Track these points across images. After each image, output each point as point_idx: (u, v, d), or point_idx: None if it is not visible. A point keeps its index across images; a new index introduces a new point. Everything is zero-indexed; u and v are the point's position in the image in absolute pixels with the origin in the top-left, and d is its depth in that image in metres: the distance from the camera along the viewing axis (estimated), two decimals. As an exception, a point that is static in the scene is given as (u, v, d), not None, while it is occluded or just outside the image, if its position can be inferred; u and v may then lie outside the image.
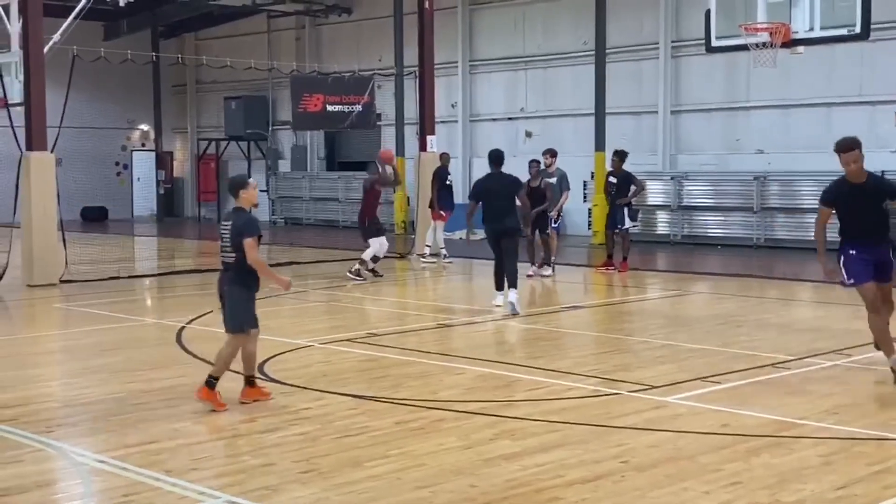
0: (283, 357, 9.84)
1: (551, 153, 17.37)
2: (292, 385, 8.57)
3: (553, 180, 16.80)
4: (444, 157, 19.79)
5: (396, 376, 8.99)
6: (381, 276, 16.66)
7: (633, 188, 17.20)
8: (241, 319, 7.96)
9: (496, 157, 13.36)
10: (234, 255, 7.91)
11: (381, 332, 11.39)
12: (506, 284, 12.80)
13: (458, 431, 7.07)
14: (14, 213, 16.00)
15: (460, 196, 26.59)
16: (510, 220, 13.02)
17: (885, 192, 8.94)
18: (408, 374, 9.08)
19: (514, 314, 12.51)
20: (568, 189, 17.36)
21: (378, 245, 16.53)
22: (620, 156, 17.46)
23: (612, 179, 17.39)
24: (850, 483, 5.80)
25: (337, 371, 9.28)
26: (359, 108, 24.60)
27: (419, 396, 8.16)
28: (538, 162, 16.99)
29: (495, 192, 13.01)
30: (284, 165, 33.17)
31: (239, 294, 7.95)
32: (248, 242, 7.79)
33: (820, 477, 5.93)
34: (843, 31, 14.09)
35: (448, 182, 19.32)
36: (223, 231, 8.02)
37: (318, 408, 7.79)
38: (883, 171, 20.44)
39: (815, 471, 6.06)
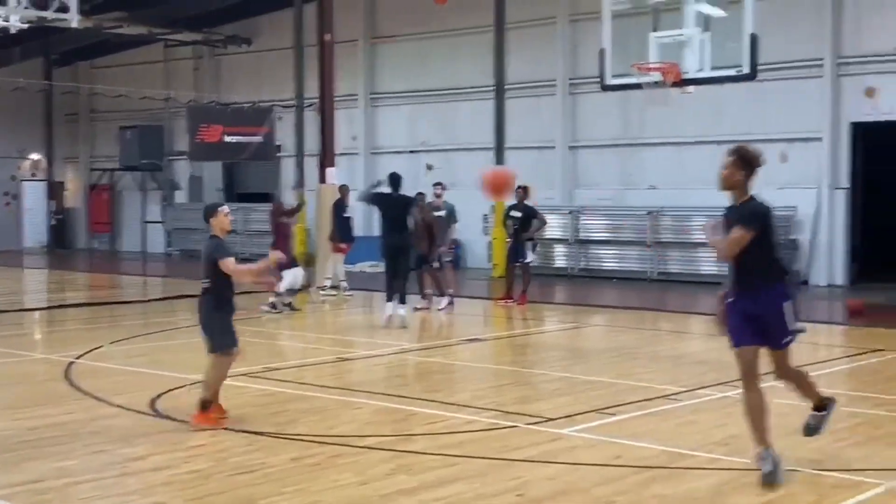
0: (177, 392, 9.64)
1: (442, 186, 17.62)
2: (185, 422, 8.38)
3: (442, 213, 16.98)
4: (343, 190, 19.76)
5: (293, 411, 8.89)
6: (298, 309, 16.49)
7: (535, 222, 17.43)
8: (221, 340, 8.31)
9: (395, 180, 14.95)
10: (207, 280, 8.24)
11: (279, 366, 11.25)
12: (395, 298, 14.43)
13: (355, 467, 7.01)
14: None
15: (361, 229, 26.57)
16: (405, 236, 14.75)
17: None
18: (305, 410, 8.99)
19: (404, 327, 14.04)
20: (455, 222, 17.46)
21: (292, 277, 16.24)
22: (524, 190, 17.67)
23: (515, 213, 17.57)
24: (738, 513, 5.93)
25: (232, 407, 9.09)
26: (258, 139, 24.50)
27: (316, 432, 8.07)
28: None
29: (391, 206, 14.72)
30: (181, 196, 32.67)
31: (217, 316, 8.33)
32: (225, 263, 8.12)
33: (710, 507, 6.05)
34: (732, 72, 14.58)
35: (347, 214, 19.28)
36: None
37: (212, 444, 7.64)
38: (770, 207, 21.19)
39: (705, 501, 6.18)
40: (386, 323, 14.50)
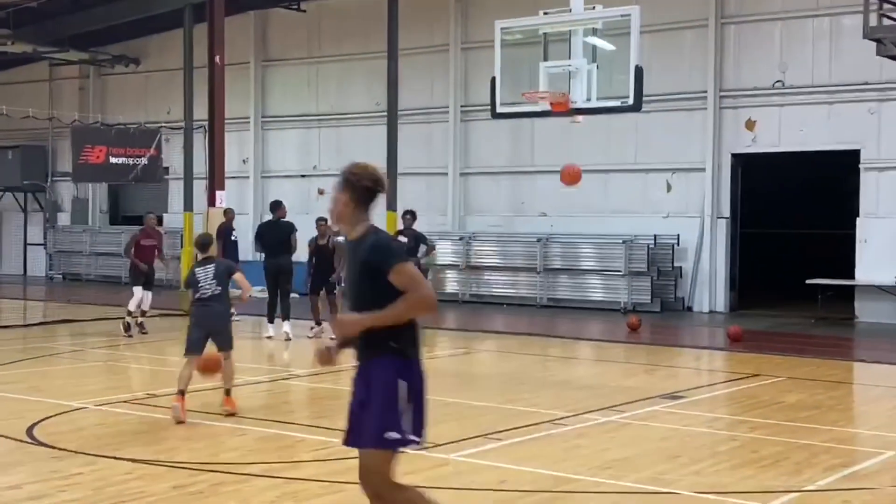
0: (56, 419, 9.36)
1: (412, 214, 17.84)
2: (64, 449, 8.14)
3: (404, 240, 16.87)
4: (229, 213, 19.51)
5: (175, 439, 8.70)
6: (146, 332, 16.41)
7: (422, 248, 17.50)
8: (232, 338, 10.15)
9: (275, 205, 17.12)
10: (220, 287, 9.97)
11: (161, 392, 11.00)
12: (279, 317, 16.30)
13: (239, 495, 6.90)
14: None
15: (249, 252, 26.28)
16: (285, 259, 16.50)
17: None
18: (188, 437, 8.81)
19: (289, 340, 15.73)
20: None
21: (139, 294, 16.39)
22: (412, 215, 17.80)
23: (403, 239, 17.60)
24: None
25: (112, 434, 8.89)
26: (144, 161, 24.05)
27: (199, 459, 7.92)
28: (325, 220, 17.03)
29: (272, 233, 16.73)
30: (64, 218, 31.80)
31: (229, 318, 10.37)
32: (239, 276, 10.27)
33: (592, 530, 6.13)
34: (618, 103, 14.89)
35: (233, 238, 19.04)
36: (200, 275, 9.92)
37: (91, 472, 7.43)
38: (655, 235, 21.75)
39: (587, 524, 6.26)
40: (269, 339, 16.25)
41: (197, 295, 9.97)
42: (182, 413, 9.32)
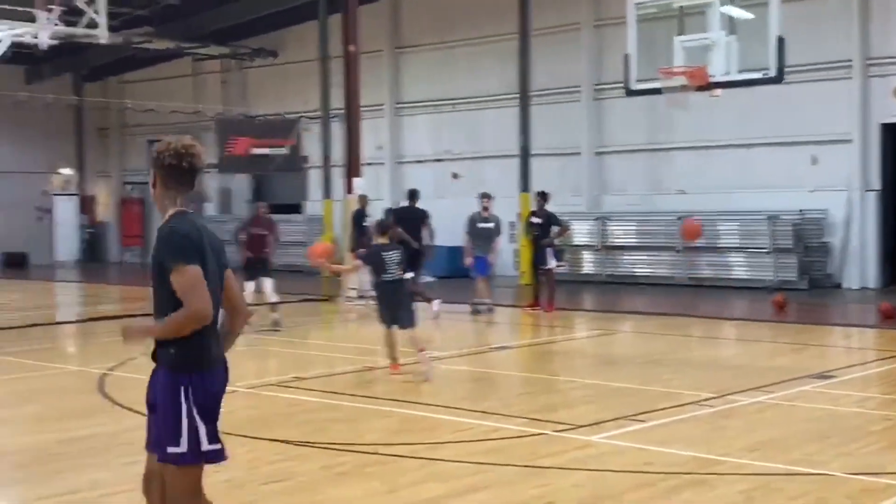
0: (208, 403, 9.70)
1: (488, 197, 17.65)
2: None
3: (491, 225, 17.18)
4: (363, 200, 19.84)
5: (322, 420, 8.93)
6: (280, 329, 15.45)
7: (555, 228, 17.43)
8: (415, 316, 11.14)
9: (412, 194, 17.94)
10: (402, 271, 10.88)
11: (308, 375, 11.30)
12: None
13: (384, 475, 7.04)
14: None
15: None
16: (417, 242, 16.94)
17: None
18: (334, 418, 9.02)
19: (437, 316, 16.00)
20: (499, 235, 17.68)
21: (250, 287, 15.41)
22: (543, 196, 17.76)
23: (535, 220, 17.59)
24: (769, 518, 5.90)
25: (263, 416, 9.18)
26: (285, 150, 24.62)
27: (345, 440, 8.10)
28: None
29: (408, 219, 17.14)
30: (210, 208, 32.91)
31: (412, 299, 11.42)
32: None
33: (740, 513, 6.02)
34: (759, 75, 14.51)
35: (365, 224, 19.33)
36: (387, 258, 10.85)
37: (244, 454, 7.67)
38: (801, 210, 21.09)
39: (735, 507, 6.15)
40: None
41: (383, 276, 10.92)
42: (398, 369, 11.01)
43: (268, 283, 15.77)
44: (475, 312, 17.02)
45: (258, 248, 15.70)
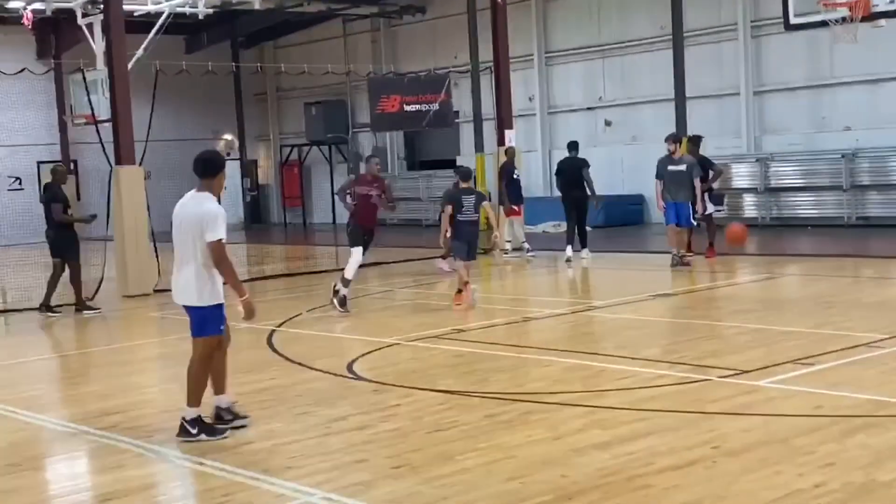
0: (372, 356, 9.97)
1: (673, 139, 16.50)
2: (381, 383, 8.67)
3: (682, 167, 15.93)
4: (510, 152, 19.79)
5: (484, 371, 9.04)
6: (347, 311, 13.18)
7: (710, 173, 16.95)
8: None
9: (572, 145, 18.31)
10: (476, 214, 12.81)
11: (467, 328, 11.44)
12: (576, 242, 17.61)
13: (547, 423, 7.09)
14: (107, 227, 16.47)
15: (540, 188, 26.58)
16: (580, 190, 17.56)
17: None
18: (495, 369, 9.12)
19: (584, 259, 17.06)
20: (699, 176, 16.15)
21: (358, 257, 13.18)
22: (696, 141, 17.37)
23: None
24: (950, 461, 5.67)
25: (425, 367, 9.36)
26: (436, 106, 24.73)
27: (507, 390, 8.19)
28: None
29: (569, 169, 17.83)
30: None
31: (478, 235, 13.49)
32: (487, 205, 13.42)
33: (919, 456, 5.81)
34: (927, 0, 13.73)
35: (515, 177, 19.24)
36: (465, 201, 12.79)
37: (408, 404, 7.87)
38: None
39: (914, 450, 5.93)
40: (567, 263, 17.35)
41: (460, 216, 12.76)
42: (463, 299, 12.62)
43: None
44: (676, 264, 15.76)
45: (370, 211, 13.15)
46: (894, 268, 15.33)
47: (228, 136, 36.41)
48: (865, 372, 8.08)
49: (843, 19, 14.27)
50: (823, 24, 15.00)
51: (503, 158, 20.12)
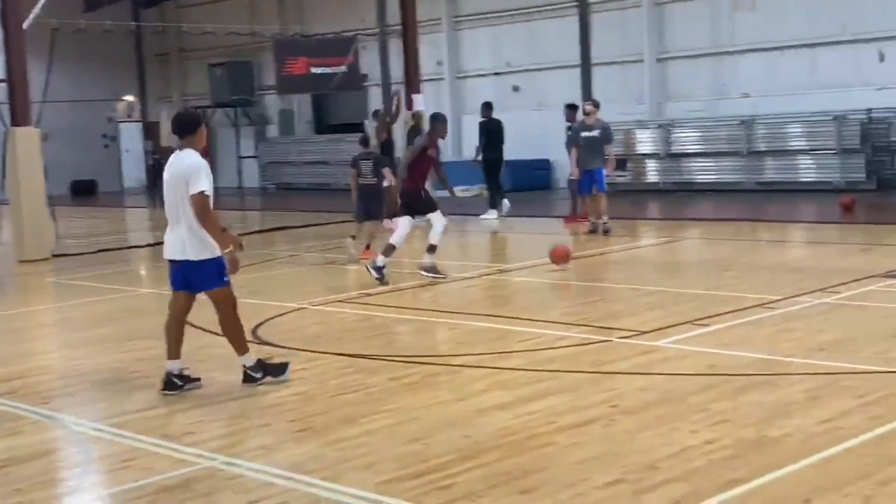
0: (277, 320, 9.93)
1: (594, 103, 16.37)
2: (287, 347, 8.65)
3: (595, 133, 15.82)
4: (417, 117, 19.79)
5: (390, 334, 9.09)
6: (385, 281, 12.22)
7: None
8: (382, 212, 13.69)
9: (485, 106, 19.32)
10: (375, 177, 13.74)
11: (374, 291, 11.45)
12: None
13: (452, 384, 7.17)
14: (2, 190, 16.02)
15: (448, 153, 26.54)
16: (495, 153, 18.60)
17: None
18: (401, 332, 9.18)
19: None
20: (610, 142, 16.19)
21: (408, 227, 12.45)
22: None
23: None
24: (835, 416, 5.90)
25: (331, 332, 9.36)
26: (343, 69, 24.59)
27: (412, 352, 8.25)
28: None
29: (497, 130, 18.93)
30: (272, 131, 33.09)
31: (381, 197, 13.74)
32: (386, 170, 14.18)
33: (806, 412, 6.03)
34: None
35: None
36: (363, 165, 13.77)
37: (313, 368, 7.87)
38: (869, 110, 20.57)
39: (801, 406, 6.16)
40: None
41: (361, 179, 13.82)
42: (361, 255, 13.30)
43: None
44: (593, 231, 15.72)
45: (424, 177, 12.48)
46: (789, 231, 15.81)
47: (129, 98, 35.59)
48: (758, 332, 8.34)
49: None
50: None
51: (411, 123, 20.09)
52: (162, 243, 7.61)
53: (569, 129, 17.39)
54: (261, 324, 9.65)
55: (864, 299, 9.48)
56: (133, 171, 35.81)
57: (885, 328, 8.24)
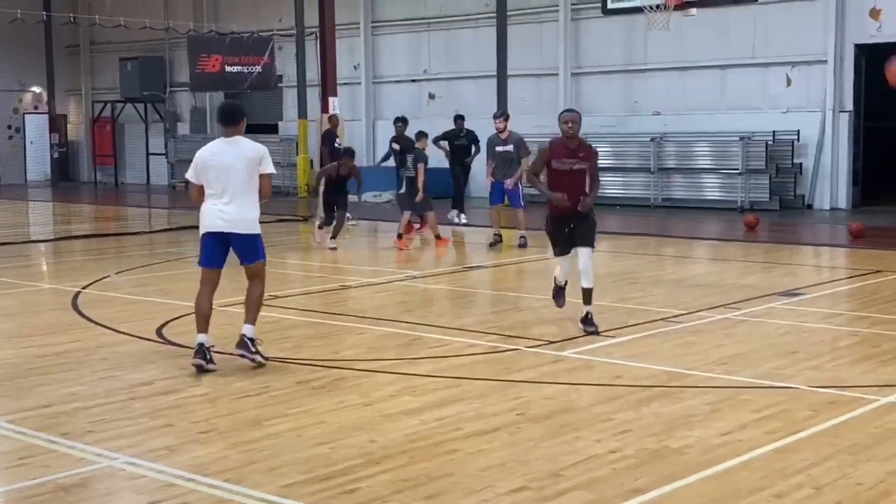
0: (183, 320, 9.77)
1: (504, 117, 15.93)
2: (192, 348, 8.49)
3: (509, 148, 15.46)
4: (333, 120, 19.74)
5: (298, 337, 9.01)
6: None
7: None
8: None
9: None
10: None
11: (283, 294, 11.36)
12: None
13: (359, 389, 7.14)
14: None
15: (363, 158, 26.52)
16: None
17: None
18: (310, 335, 9.11)
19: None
20: (528, 154, 15.56)
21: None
22: (404, 122, 18.29)
23: (395, 146, 17.86)
24: (735, 429, 6.05)
25: (237, 333, 9.22)
26: (258, 69, 24.39)
27: (321, 356, 8.20)
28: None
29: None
30: (183, 128, 32.60)
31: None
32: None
33: (707, 424, 6.16)
34: (735, -6, 14.45)
35: (337, 145, 19.24)
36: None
37: (218, 370, 7.76)
38: (774, 132, 21.18)
39: (702, 418, 6.29)
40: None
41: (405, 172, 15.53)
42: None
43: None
44: (495, 244, 15.66)
45: None
46: (694, 247, 16.16)
47: (36, 89, 34.71)
48: (662, 345, 8.51)
49: (658, 7, 14.82)
50: (639, 10, 15.55)
51: (326, 125, 20.02)
52: (62, 238, 7.42)
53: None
54: (165, 324, 9.50)
55: (763, 316, 9.73)
56: (37, 164, 34.91)
57: (782, 345, 8.47)
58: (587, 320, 8.91)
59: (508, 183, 15.49)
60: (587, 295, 8.97)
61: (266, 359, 7.84)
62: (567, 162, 9.07)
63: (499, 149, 15.63)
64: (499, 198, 15.82)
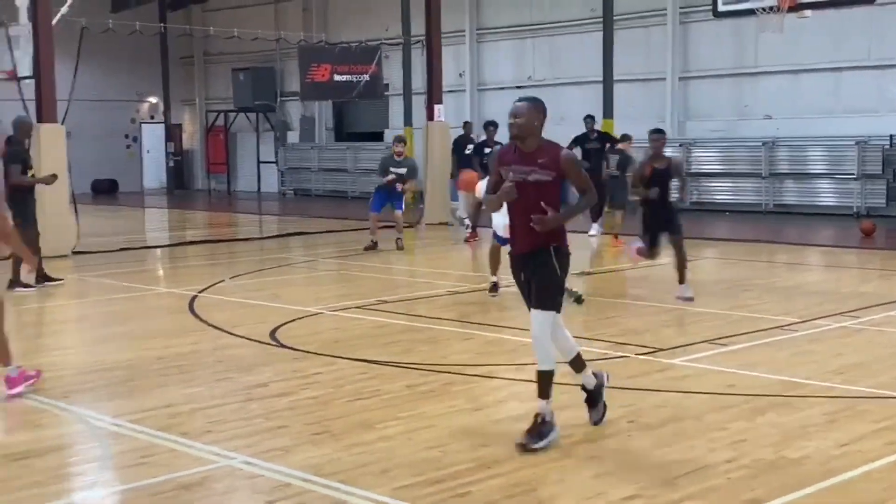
0: (294, 324, 9.96)
1: (401, 139, 17.24)
2: (304, 351, 8.68)
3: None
4: (467, 127, 19.91)
5: (406, 342, 9.10)
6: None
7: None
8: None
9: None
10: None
11: (391, 299, 11.48)
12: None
13: (468, 394, 7.18)
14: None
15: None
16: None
17: None
18: (418, 340, 9.19)
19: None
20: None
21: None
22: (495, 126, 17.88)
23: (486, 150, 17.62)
24: (853, 440, 5.89)
25: (348, 337, 9.38)
26: (366, 78, 24.63)
27: (429, 361, 8.26)
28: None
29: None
30: (293, 136, 33.20)
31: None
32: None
33: (824, 434, 6.02)
34: (850, -5, 14.08)
35: (466, 152, 19.03)
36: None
37: (330, 372, 7.89)
38: (891, 136, 20.51)
39: (819, 428, 6.14)
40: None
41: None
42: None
43: None
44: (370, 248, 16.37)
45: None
46: (808, 254, 15.76)
47: (153, 99, 35.78)
48: (777, 353, 8.33)
49: (771, 8, 14.54)
50: (751, 12, 15.27)
51: (434, 132, 20.12)
52: (178, 244, 7.64)
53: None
54: (278, 327, 9.69)
55: (883, 325, 9.45)
56: (153, 172, 35.96)
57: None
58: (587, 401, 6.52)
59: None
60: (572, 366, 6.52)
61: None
62: (518, 171, 6.25)
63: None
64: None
